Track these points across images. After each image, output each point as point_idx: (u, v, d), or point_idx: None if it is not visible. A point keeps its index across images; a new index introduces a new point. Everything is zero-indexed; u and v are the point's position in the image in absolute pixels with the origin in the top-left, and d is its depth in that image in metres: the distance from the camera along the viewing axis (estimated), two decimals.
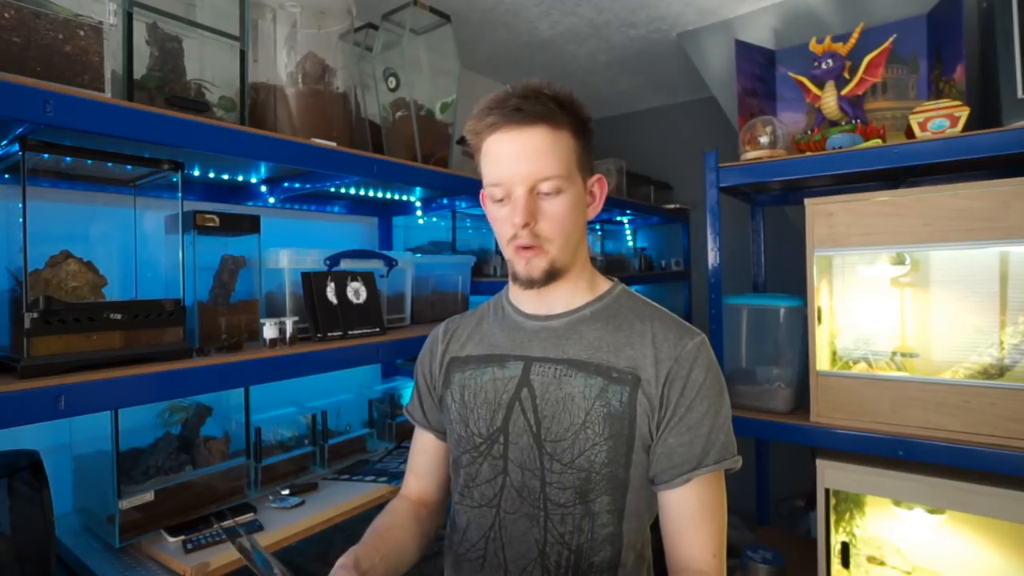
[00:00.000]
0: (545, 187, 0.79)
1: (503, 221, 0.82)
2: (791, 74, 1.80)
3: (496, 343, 0.89)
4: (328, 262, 1.40)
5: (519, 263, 0.82)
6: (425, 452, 0.99)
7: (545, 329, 0.87)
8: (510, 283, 0.92)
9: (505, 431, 0.84)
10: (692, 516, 0.78)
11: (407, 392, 1.81)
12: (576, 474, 0.78)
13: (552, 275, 0.82)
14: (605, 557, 0.79)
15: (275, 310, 1.38)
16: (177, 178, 1.11)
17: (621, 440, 0.78)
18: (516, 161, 0.78)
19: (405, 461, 1.56)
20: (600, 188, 0.88)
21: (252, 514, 1.24)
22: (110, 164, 1.08)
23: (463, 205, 1.87)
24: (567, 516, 0.79)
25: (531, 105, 0.78)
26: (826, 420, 1.52)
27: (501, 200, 0.81)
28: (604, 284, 0.91)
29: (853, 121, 1.63)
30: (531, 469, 0.81)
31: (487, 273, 2.07)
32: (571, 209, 0.81)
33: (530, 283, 0.82)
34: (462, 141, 2.10)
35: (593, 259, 2.74)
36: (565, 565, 0.79)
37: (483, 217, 2.30)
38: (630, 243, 3.46)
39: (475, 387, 0.87)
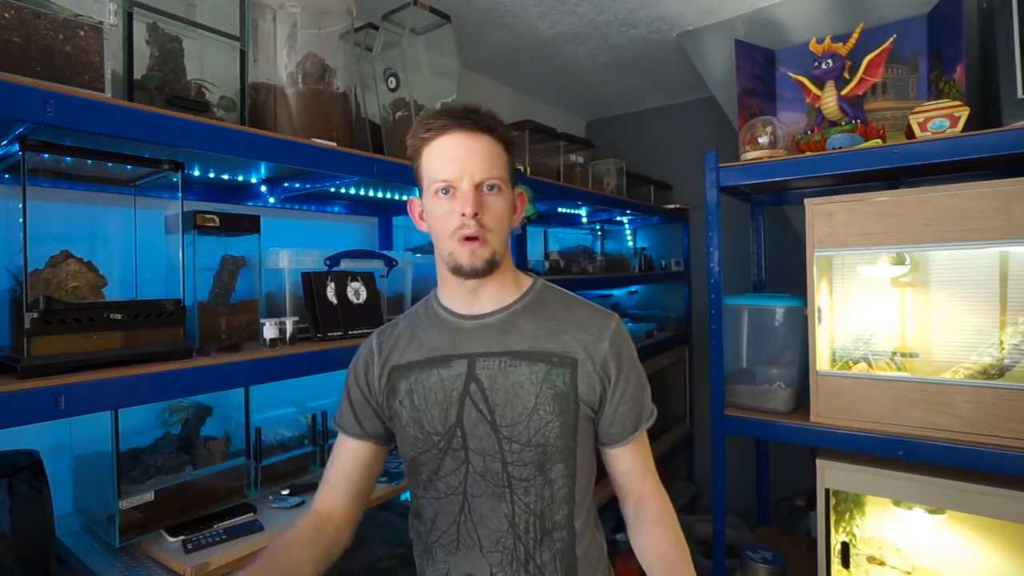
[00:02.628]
0: (488, 185, 0.88)
1: (447, 215, 0.88)
2: (791, 74, 1.80)
3: (435, 346, 0.95)
4: (328, 262, 1.40)
5: (463, 254, 0.88)
6: (348, 460, 0.98)
7: (483, 327, 0.94)
8: (442, 286, 0.99)
9: (461, 425, 0.90)
10: (637, 458, 0.96)
11: None
12: (534, 450, 0.88)
13: (492, 265, 0.89)
14: (564, 514, 0.90)
15: (275, 310, 1.38)
16: (177, 178, 1.11)
17: (569, 415, 0.89)
18: (465, 160, 0.87)
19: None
20: (520, 202, 0.98)
21: (252, 514, 1.24)
22: (110, 164, 1.08)
23: None
24: (530, 487, 0.88)
25: (478, 117, 0.89)
26: (826, 420, 1.52)
27: (447, 195, 0.88)
28: (527, 280, 1.00)
29: (853, 121, 1.63)
30: (491, 454, 0.89)
31: None
32: (507, 208, 0.92)
33: (474, 272, 0.88)
34: None
35: (594, 259, 2.75)
36: (533, 529, 0.89)
37: None
38: (630, 243, 3.46)
39: (423, 390, 0.92)
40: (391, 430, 0.99)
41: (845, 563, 1.52)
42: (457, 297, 0.96)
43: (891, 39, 1.62)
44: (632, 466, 0.97)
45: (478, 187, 0.87)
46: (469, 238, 0.87)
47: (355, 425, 0.99)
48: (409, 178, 1.45)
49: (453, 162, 0.87)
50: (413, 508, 0.98)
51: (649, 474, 0.97)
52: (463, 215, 0.86)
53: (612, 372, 0.92)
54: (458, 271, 0.90)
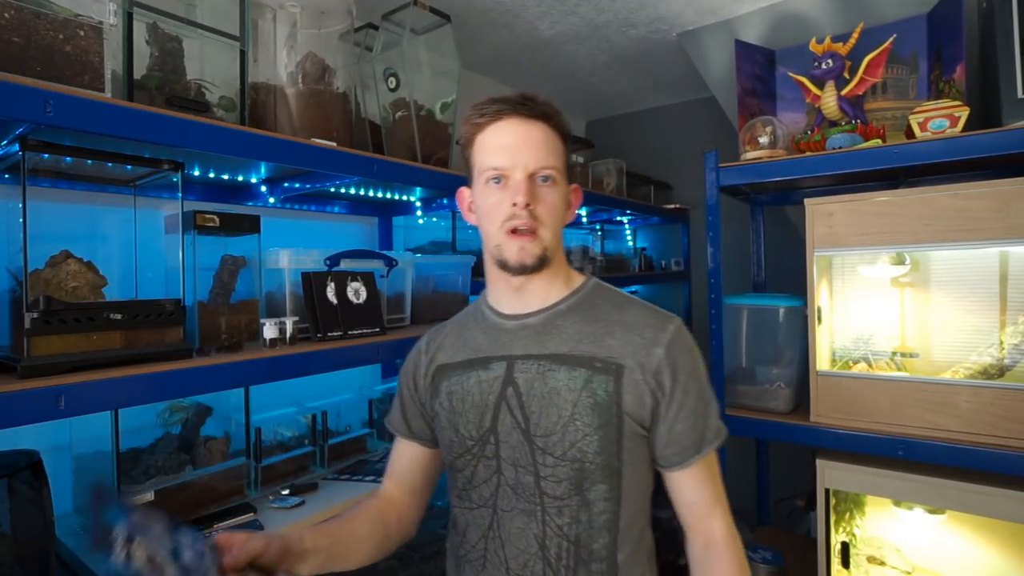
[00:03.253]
0: (542, 176, 0.83)
1: (497, 205, 0.82)
2: (791, 74, 1.80)
3: (478, 346, 0.90)
4: (328, 262, 1.40)
5: (511, 249, 0.82)
6: (400, 457, 0.99)
7: (524, 327, 0.88)
8: (489, 284, 0.93)
9: (495, 431, 0.84)
10: (703, 487, 0.84)
11: None
12: (569, 466, 0.80)
13: (542, 262, 0.83)
14: (604, 543, 0.80)
15: (275, 310, 1.38)
16: (177, 178, 1.11)
17: (611, 428, 0.80)
18: (519, 148, 0.82)
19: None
20: (576, 198, 0.92)
21: (252, 514, 1.24)
22: (110, 164, 1.08)
23: None
24: (564, 508, 0.80)
25: (535, 104, 0.83)
26: (826, 420, 1.52)
27: (498, 184, 0.83)
28: (578, 279, 0.93)
29: (853, 121, 1.63)
30: (523, 465, 0.82)
31: None
32: (561, 201, 0.85)
33: (521, 269, 0.83)
34: None
35: (593, 259, 2.74)
36: (566, 556, 0.80)
37: None
38: (630, 243, 3.46)
39: (462, 392, 0.88)
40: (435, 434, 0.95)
41: (845, 563, 1.52)
42: (502, 295, 0.91)
43: (891, 39, 1.62)
44: (697, 497, 0.84)
45: (531, 177, 0.82)
46: (519, 232, 0.81)
47: (402, 424, 0.97)
48: (408, 178, 1.45)
49: (506, 149, 0.82)
50: (452, 517, 0.93)
51: (718, 510, 0.85)
52: (514, 205, 0.80)
53: (666, 383, 0.81)
54: (504, 266, 0.84)
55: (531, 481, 0.81)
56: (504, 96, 0.84)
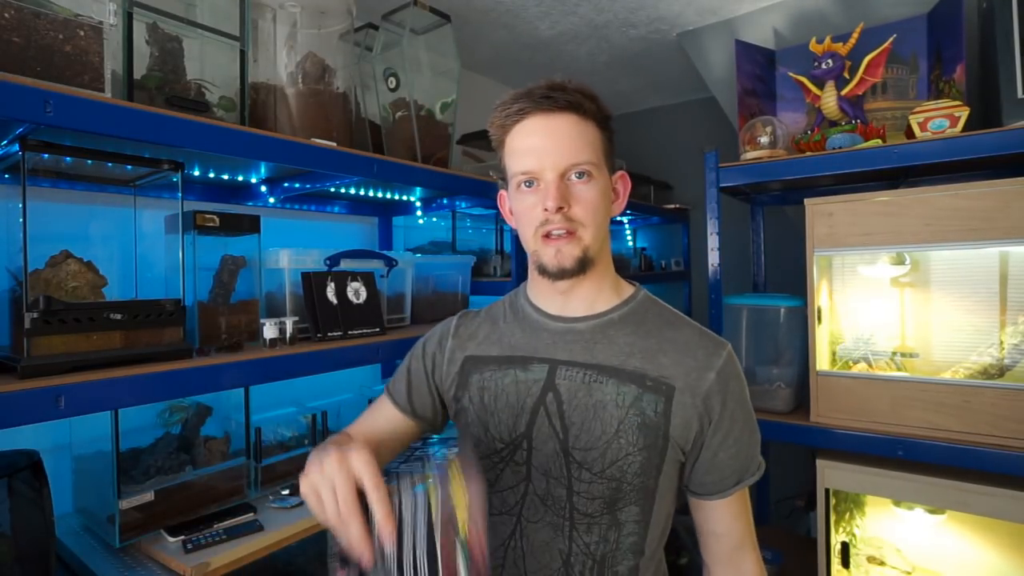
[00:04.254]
0: (576, 172, 0.77)
1: (531, 208, 0.78)
2: (791, 74, 1.80)
3: (516, 344, 0.85)
4: (328, 262, 1.40)
5: (547, 254, 0.78)
6: (382, 421, 0.92)
7: (571, 332, 0.83)
8: (531, 281, 0.89)
9: (528, 437, 0.80)
10: (736, 520, 0.82)
11: None
12: (606, 484, 0.76)
13: (584, 264, 0.78)
14: (629, 566, 0.78)
15: (275, 310, 1.38)
16: (177, 178, 1.11)
17: (655, 451, 0.77)
18: (547, 146, 0.77)
19: (405, 461, 1.56)
20: (623, 185, 0.87)
21: (252, 514, 1.24)
22: (110, 164, 1.08)
23: (463, 205, 1.87)
24: (593, 525, 0.77)
25: (559, 95, 0.77)
26: (826, 420, 1.52)
27: (531, 188, 0.79)
28: (628, 288, 0.89)
29: (853, 121, 1.63)
30: (556, 477, 0.78)
31: (487, 273, 2.07)
32: (602, 197, 0.79)
33: (561, 273, 0.78)
34: (462, 141, 2.11)
35: None
36: (590, 574, 0.77)
37: (483, 217, 2.30)
38: (630, 243, 3.46)
39: (495, 389, 0.84)
40: (438, 417, 0.92)
41: (845, 563, 1.52)
42: (547, 296, 0.86)
43: (891, 39, 1.62)
44: (728, 530, 0.82)
45: (563, 176, 0.77)
46: (553, 236, 0.77)
47: (405, 397, 0.92)
48: (408, 178, 1.45)
49: (533, 151, 0.77)
50: None
51: (749, 544, 0.82)
52: (545, 210, 0.76)
53: (715, 409, 0.77)
54: (543, 272, 0.80)
55: (563, 494, 0.78)
56: (528, 90, 0.79)
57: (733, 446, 0.79)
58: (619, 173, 0.86)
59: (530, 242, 0.81)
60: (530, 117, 0.78)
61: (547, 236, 0.78)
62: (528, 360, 0.83)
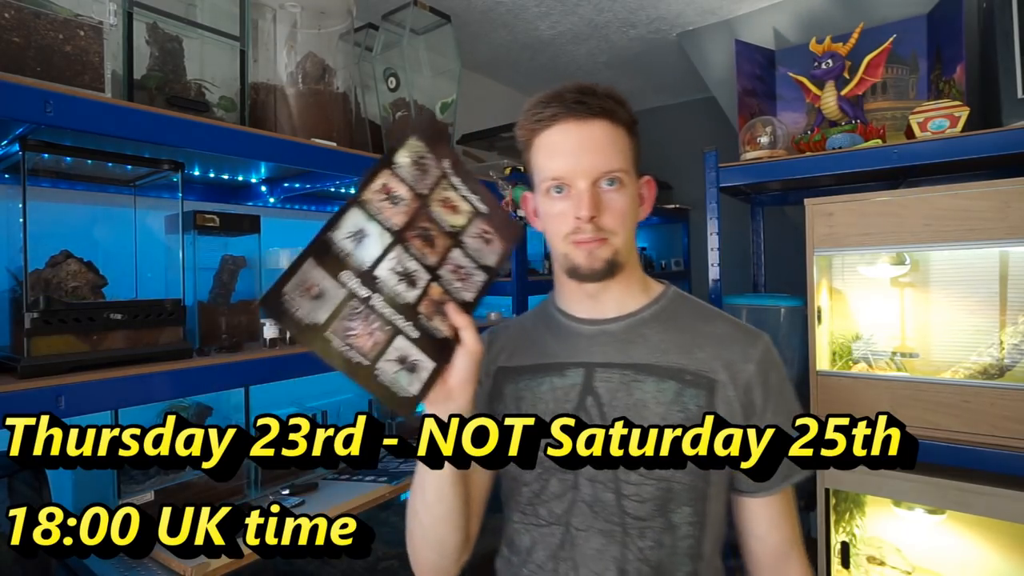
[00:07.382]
0: (607, 180, 0.77)
1: (561, 216, 0.77)
2: (791, 74, 1.80)
3: (549, 351, 0.84)
4: None
5: (580, 255, 0.77)
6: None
7: (603, 334, 0.82)
8: (559, 288, 0.88)
9: None
10: (782, 522, 0.79)
11: None
12: (656, 484, 0.74)
13: (614, 266, 0.78)
14: (687, 572, 0.75)
15: None
16: (177, 178, 1.11)
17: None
18: (579, 153, 0.76)
19: (404, 461, 1.56)
20: (649, 190, 0.87)
21: None
22: (110, 164, 1.08)
23: None
24: (646, 530, 0.74)
25: (592, 100, 0.77)
26: None
27: (560, 194, 0.77)
28: (657, 286, 0.88)
29: (853, 121, 1.63)
30: (603, 481, 0.76)
31: None
32: (631, 204, 0.79)
33: (593, 275, 0.77)
34: (463, 141, 2.11)
35: None
36: None
37: None
38: None
39: (532, 398, 0.81)
40: None
41: (845, 563, 1.52)
42: (576, 301, 0.85)
43: (891, 39, 1.62)
44: (773, 532, 0.79)
45: (595, 184, 0.76)
46: (584, 241, 0.76)
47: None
48: None
49: (564, 157, 0.76)
50: (506, 535, 0.85)
51: (796, 552, 0.79)
52: (577, 218, 0.75)
53: (757, 401, 0.76)
54: (575, 273, 0.78)
55: (611, 499, 0.75)
56: (559, 93, 0.77)
57: None
58: (645, 178, 0.86)
59: (560, 245, 0.79)
60: (562, 122, 0.77)
61: (578, 242, 0.77)
62: (564, 366, 0.82)
